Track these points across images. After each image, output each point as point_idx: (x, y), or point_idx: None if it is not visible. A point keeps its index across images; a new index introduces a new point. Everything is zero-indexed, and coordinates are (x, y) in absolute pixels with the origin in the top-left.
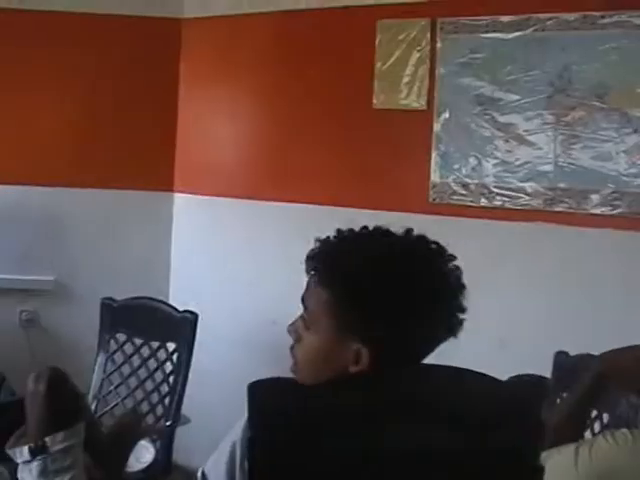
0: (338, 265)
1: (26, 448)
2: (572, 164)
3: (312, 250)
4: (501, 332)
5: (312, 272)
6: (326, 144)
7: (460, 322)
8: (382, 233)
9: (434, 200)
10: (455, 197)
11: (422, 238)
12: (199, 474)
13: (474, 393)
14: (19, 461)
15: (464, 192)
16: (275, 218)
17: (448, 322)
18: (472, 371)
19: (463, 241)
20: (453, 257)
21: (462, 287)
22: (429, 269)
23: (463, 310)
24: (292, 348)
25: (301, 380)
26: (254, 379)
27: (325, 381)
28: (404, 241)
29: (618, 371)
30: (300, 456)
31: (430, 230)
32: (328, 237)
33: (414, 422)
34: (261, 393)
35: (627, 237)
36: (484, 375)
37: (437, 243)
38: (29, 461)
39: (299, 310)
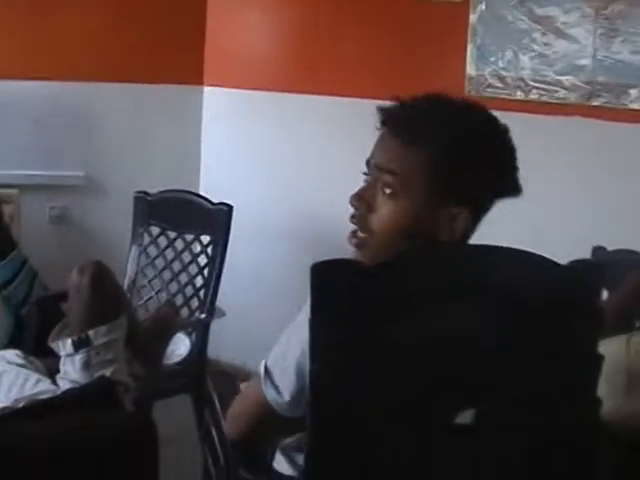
0: (444, 124)
1: (69, 341)
2: (611, 58)
3: (393, 107)
4: (536, 223)
5: (402, 130)
6: (362, 35)
7: None
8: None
9: (470, 92)
10: (491, 90)
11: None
12: (262, 368)
13: (535, 274)
14: (62, 354)
15: (500, 85)
16: (308, 111)
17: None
18: (534, 254)
19: None
20: None
21: None
22: (506, 134)
23: None
24: (360, 218)
25: (372, 253)
26: (288, 272)
27: (392, 258)
28: (481, 108)
29: None
30: (367, 337)
31: None
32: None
33: (479, 305)
34: (326, 273)
35: None
36: (547, 258)
37: None
38: (72, 354)
39: (333, 202)
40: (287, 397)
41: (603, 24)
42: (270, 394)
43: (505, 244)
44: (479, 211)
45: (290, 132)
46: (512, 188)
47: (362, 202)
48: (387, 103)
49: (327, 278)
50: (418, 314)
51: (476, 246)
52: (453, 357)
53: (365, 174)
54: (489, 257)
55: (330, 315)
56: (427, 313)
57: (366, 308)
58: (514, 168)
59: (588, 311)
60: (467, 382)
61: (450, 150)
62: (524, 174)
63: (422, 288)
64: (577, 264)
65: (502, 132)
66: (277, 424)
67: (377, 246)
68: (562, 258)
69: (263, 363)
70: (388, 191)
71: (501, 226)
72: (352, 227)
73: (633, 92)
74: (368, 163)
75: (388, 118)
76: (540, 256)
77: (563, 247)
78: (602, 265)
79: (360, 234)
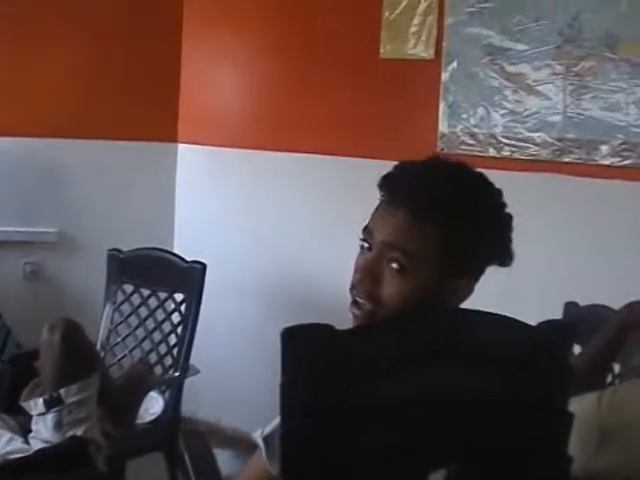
0: (453, 198)
1: (41, 400)
2: (581, 114)
3: (399, 175)
4: (508, 279)
5: (411, 202)
6: (332, 94)
7: None
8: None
9: (442, 150)
10: (463, 147)
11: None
12: (260, 441)
13: (506, 335)
14: (34, 413)
15: (472, 142)
16: (280, 168)
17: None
18: (503, 315)
19: None
20: None
21: None
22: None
23: None
24: (368, 291)
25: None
26: (261, 329)
27: (363, 325)
28: (478, 174)
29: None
30: (336, 401)
31: None
32: (408, 164)
33: (451, 366)
34: (296, 337)
35: (637, 188)
36: (516, 320)
37: None
38: (44, 413)
39: (306, 258)
40: None
41: (573, 81)
42: (276, 468)
43: (480, 301)
44: (478, 278)
45: (263, 189)
46: (511, 258)
47: (367, 274)
48: (389, 169)
49: (299, 341)
50: (393, 375)
51: (449, 310)
52: (428, 417)
53: (363, 240)
54: (464, 319)
55: (300, 379)
56: (402, 374)
57: (340, 370)
58: (510, 236)
59: (558, 370)
60: (441, 442)
61: (457, 222)
62: None
63: (397, 349)
64: (547, 324)
65: (501, 198)
66: None
67: (379, 314)
68: (536, 313)
69: (260, 435)
70: (396, 266)
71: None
72: (355, 298)
73: (604, 148)
74: (366, 230)
75: (392, 186)
76: (511, 318)
77: (537, 303)
78: (572, 324)
79: (368, 306)
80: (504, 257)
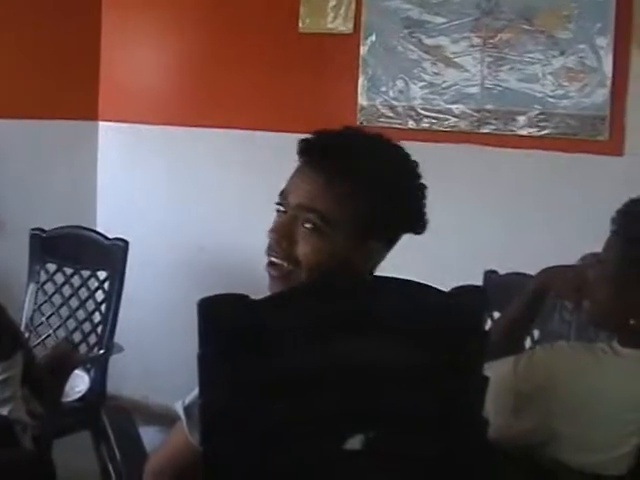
0: (365, 160)
1: None
2: (499, 86)
3: (314, 139)
4: (430, 248)
5: (323, 164)
6: (252, 69)
7: None
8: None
9: (362, 123)
10: (382, 120)
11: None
12: (181, 412)
13: (420, 303)
14: None
15: (391, 114)
16: (202, 145)
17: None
18: (417, 282)
19: None
20: None
21: None
22: (418, 171)
23: None
24: (285, 251)
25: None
26: (185, 305)
27: (277, 294)
28: (396, 144)
29: (556, 285)
30: (251, 372)
31: None
32: (326, 131)
33: (365, 335)
34: (211, 309)
35: (553, 158)
36: (429, 286)
37: None
38: None
39: (229, 233)
40: None
41: (491, 53)
42: (197, 438)
43: (402, 271)
44: (391, 244)
45: (185, 165)
46: (423, 224)
47: (283, 235)
48: (307, 135)
49: (214, 313)
50: (307, 346)
51: (363, 278)
52: (343, 386)
53: (279, 204)
54: (376, 288)
55: (217, 350)
56: (316, 344)
57: (255, 341)
58: (424, 205)
59: (472, 334)
60: (358, 409)
61: (371, 186)
62: None
63: (311, 320)
64: (459, 290)
65: (415, 169)
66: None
67: (306, 279)
68: (457, 281)
69: (181, 406)
70: (310, 226)
71: (398, 253)
72: (271, 259)
73: (521, 119)
74: (283, 194)
75: (308, 150)
76: (425, 285)
77: (457, 271)
78: (484, 289)
79: (285, 266)
80: (417, 225)
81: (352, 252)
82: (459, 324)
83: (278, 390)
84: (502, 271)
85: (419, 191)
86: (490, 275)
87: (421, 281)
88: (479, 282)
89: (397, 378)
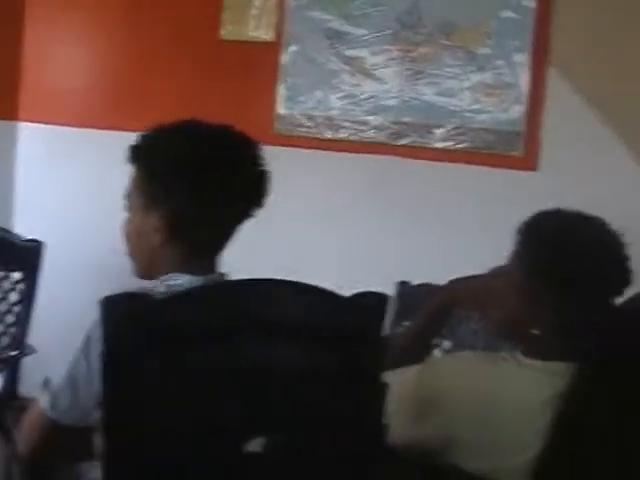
0: (159, 143)
1: None
2: (417, 99)
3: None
4: (343, 258)
5: (132, 153)
6: (174, 75)
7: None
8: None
9: (280, 131)
10: (301, 129)
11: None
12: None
13: (319, 307)
14: None
15: (310, 124)
16: (121, 148)
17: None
18: (318, 287)
19: (308, 172)
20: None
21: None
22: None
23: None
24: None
25: (136, 272)
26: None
27: (180, 293)
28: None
29: (462, 296)
30: (151, 371)
31: (276, 161)
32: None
33: (265, 339)
34: (111, 307)
35: (468, 171)
36: (330, 291)
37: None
38: None
39: None
40: (64, 403)
41: (410, 66)
42: (44, 402)
43: (316, 277)
44: (182, 229)
45: (104, 168)
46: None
47: (123, 232)
48: None
49: (114, 311)
50: (208, 346)
51: (261, 281)
52: (243, 388)
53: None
54: (276, 292)
55: (115, 348)
56: (216, 345)
57: (155, 339)
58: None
59: (371, 340)
60: (258, 412)
61: (156, 165)
62: (332, 211)
63: (211, 321)
64: (359, 296)
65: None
66: (60, 436)
67: (134, 264)
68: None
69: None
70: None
71: (309, 260)
72: None
73: (438, 132)
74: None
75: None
76: (324, 289)
77: (370, 282)
78: (384, 296)
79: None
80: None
81: (146, 232)
82: (358, 329)
83: (178, 390)
84: (414, 282)
85: (214, 169)
86: (402, 286)
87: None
88: (391, 293)
89: (296, 381)
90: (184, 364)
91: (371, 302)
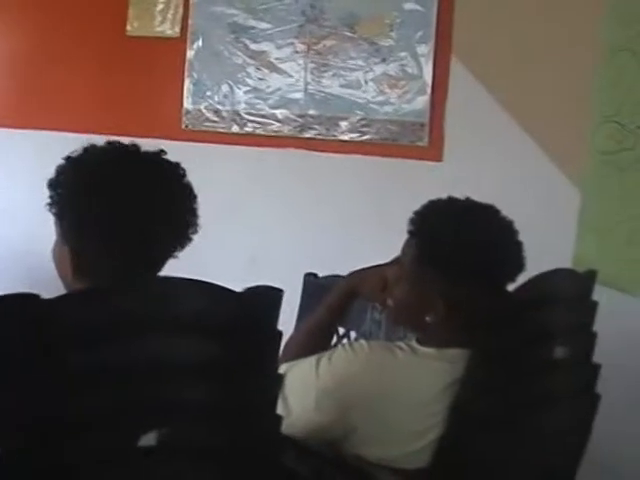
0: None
1: None
2: (322, 92)
3: None
4: (251, 251)
5: None
6: (79, 70)
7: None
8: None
9: (187, 127)
10: (207, 124)
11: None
12: None
13: (213, 302)
14: None
15: (216, 119)
16: (26, 146)
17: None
18: (210, 282)
19: (215, 167)
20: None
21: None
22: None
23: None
24: None
25: None
26: None
27: (69, 294)
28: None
29: (360, 285)
30: (41, 370)
31: (183, 156)
32: None
33: (157, 334)
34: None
35: (374, 163)
36: (221, 286)
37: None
38: None
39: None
40: None
41: (314, 59)
42: None
43: (223, 273)
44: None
45: (9, 168)
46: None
47: None
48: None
49: (2, 313)
50: (99, 343)
51: (156, 278)
52: (136, 383)
53: None
54: (168, 289)
55: (6, 349)
56: (107, 342)
57: (45, 338)
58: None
59: (265, 334)
60: (151, 406)
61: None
62: (240, 203)
63: (101, 319)
64: (253, 290)
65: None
66: None
67: None
68: (277, 284)
69: None
70: None
71: (215, 255)
72: None
73: (343, 124)
74: None
75: None
76: (216, 284)
77: (278, 274)
78: (278, 289)
79: None
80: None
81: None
82: (252, 323)
83: (72, 387)
84: (321, 274)
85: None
86: (309, 278)
87: (217, 283)
88: (299, 285)
89: (190, 375)
90: (75, 362)
91: (265, 296)
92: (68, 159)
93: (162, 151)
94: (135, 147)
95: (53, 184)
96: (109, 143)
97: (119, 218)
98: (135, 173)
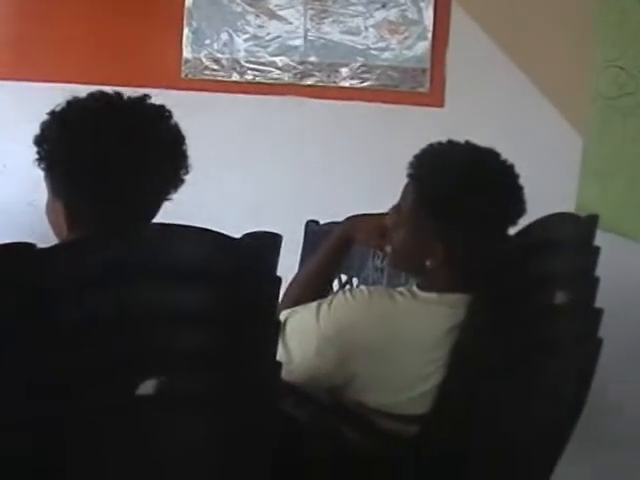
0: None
1: None
2: (322, 38)
3: None
4: (252, 199)
5: None
6: (75, 20)
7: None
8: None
9: (187, 76)
10: (207, 72)
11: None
12: None
13: (211, 249)
14: None
15: (216, 67)
16: (23, 98)
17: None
18: (206, 229)
19: (216, 116)
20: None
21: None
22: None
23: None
24: None
25: None
26: None
27: (62, 243)
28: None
29: (358, 231)
30: (38, 322)
31: (183, 106)
32: None
33: (153, 281)
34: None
35: (375, 109)
36: (218, 232)
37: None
38: None
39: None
40: None
41: (314, 5)
42: None
43: (229, 220)
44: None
45: (16, 121)
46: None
47: None
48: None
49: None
50: (95, 293)
51: (150, 226)
52: (133, 332)
53: None
54: (165, 236)
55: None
56: (103, 291)
57: (40, 290)
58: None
59: (264, 280)
60: (149, 355)
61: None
62: (242, 151)
63: (96, 268)
64: (250, 236)
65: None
66: None
67: None
68: (278, 230)
69: None
70: None
71: (220, 203)
72: None
73: (343, 70)
74: None
75: None
76: (215, 232)
77: (279, 220)
78: (276, 235)
79: None
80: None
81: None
82: (250, 269)
83: (66, 337)
84: (323, 221)
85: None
86: (311, 225)
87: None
88: (300, 232)
89: (187, 323)
90: (71, 312)
91: (263, 242)
92: (52, 114)
93: (146, 96)
94: (118, 95)
95: (39, 140)
96: (92, 94)
97: (106, 167)
98: (119, 121)
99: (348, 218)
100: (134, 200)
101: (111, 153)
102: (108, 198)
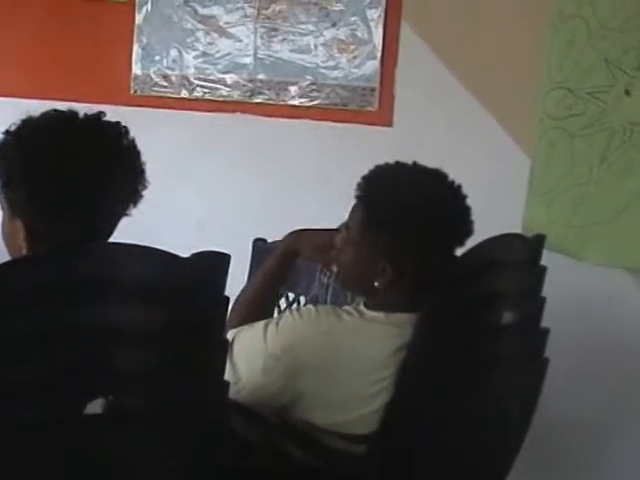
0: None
1: None
2: (271, 56)
3: None
4: (200, 217)
5: None
6: (24, 34)
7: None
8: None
9: (136, 92)
10: (156, 89)
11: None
12: None
13: (158, 268)
14: None
15: (165, 84)
16: None
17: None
18: (153, 248)
19: (165, 132)
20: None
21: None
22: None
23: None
24: None
25: None
26: None
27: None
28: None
29: (304, 246)
30: None
31: (133, 122)
32: None
33: (100, 299)
34: None
35: (324, 128)
36: (166, 251)
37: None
38: None
39: None
40: None
41: (264, 23)
42: None
43: (174, 237)
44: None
45: None
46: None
47: None
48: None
49: None
50: (42, 310)
51: (99, 244)
52: (79, 351)
53: None
54: (112, 254)
55: None
56: (51, 309)
57: None
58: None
59: (211, 300)
60: (96, 374)
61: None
62: (190, 168)
63: (39, 286)
64: (199, 255)
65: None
66: None
67: None
68: (225, 249)
69: None
70: None
71: (166, 219)
72: None
73: (293, 89)
74: None
75: None
76: (163, 251)
77: (226, 239)
78: (224, 254)
79: None
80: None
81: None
82: (197, 288)
83: (15, 353)
84: (270, 239)
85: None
86: (258, 243)
87: (165, 249)
88: (248, 250)
89: (136, 341)
90: (22, 326)
91: (211, 261)
92: (7, 133)
93: (101, 113)
94: (73, 113)
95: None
96: (46, 113)
97: (62, 186)
98: (75, 139)
99: (291, 233)
100: (91, 217)
101: (67, 172)
102: (66, 217)
